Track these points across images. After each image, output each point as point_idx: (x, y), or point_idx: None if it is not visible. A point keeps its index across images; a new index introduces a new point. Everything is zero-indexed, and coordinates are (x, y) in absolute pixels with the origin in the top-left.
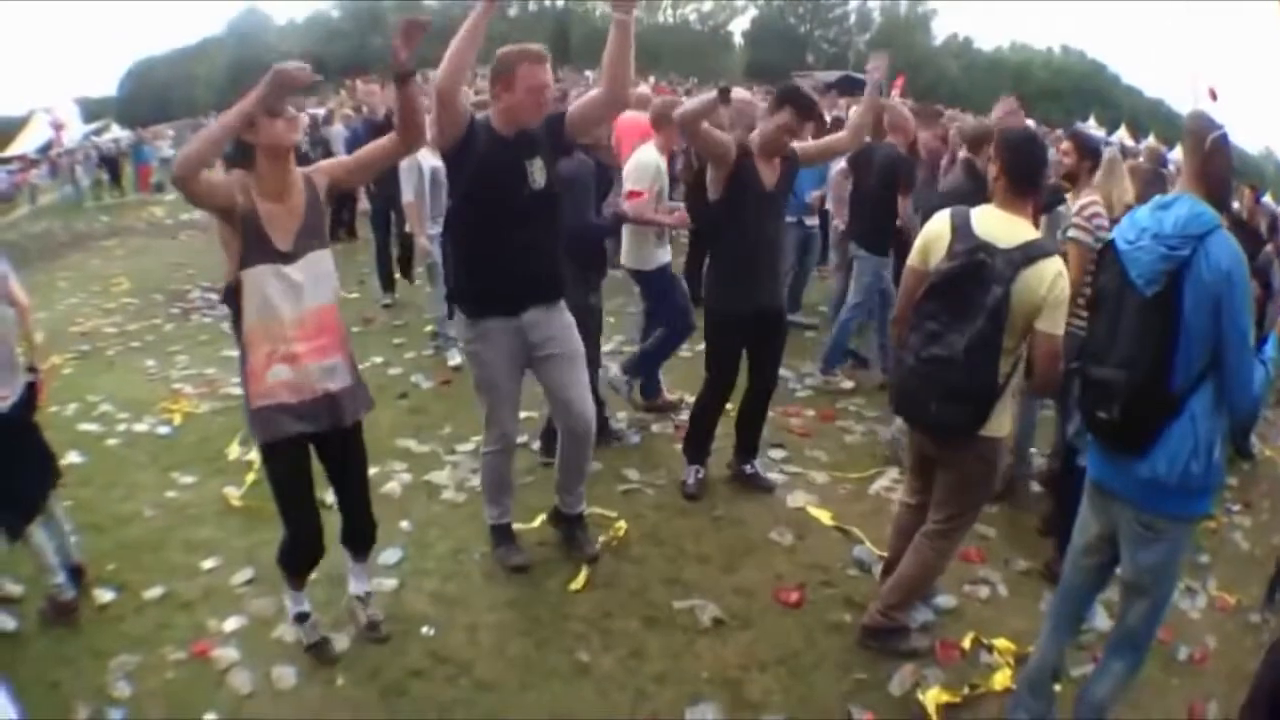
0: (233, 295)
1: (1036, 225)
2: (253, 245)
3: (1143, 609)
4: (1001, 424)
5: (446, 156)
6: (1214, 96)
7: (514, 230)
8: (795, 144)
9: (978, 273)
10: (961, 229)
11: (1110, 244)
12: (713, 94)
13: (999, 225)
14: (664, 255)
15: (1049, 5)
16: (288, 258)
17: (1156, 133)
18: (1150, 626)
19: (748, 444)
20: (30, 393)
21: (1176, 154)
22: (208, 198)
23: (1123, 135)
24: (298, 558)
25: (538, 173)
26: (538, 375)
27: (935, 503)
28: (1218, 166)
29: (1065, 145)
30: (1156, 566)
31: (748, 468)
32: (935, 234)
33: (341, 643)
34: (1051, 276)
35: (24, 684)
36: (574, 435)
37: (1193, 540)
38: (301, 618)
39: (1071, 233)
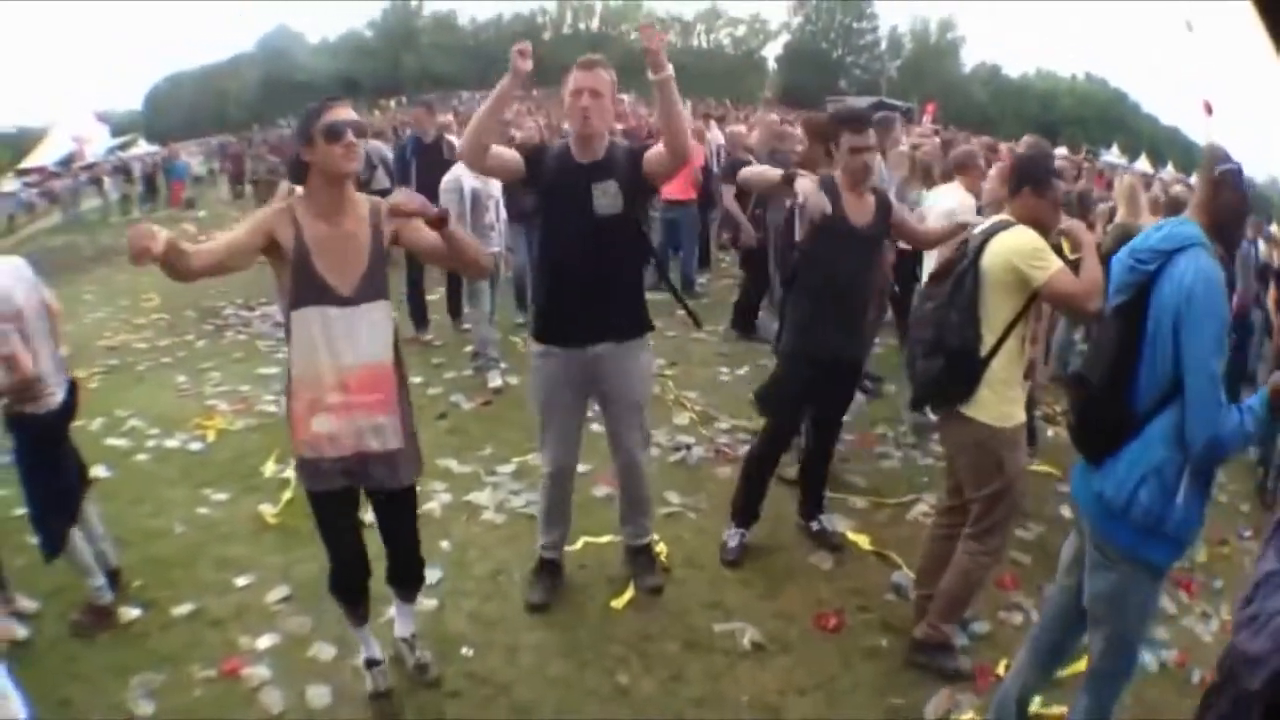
0: (288, 333)
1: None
2: (305, 285)
3: (1101, 643)
4: (999, 413)
5: (515, 184)
6: (1209, 110)
7: (584, 257)
8: (896, 221)
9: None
10: None
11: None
12: (777, 176)
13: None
14: None
15: (1073, 34)
16: (344, 301)
17: (1175, 160)
18: (1110, 665)
19: (812, 499)
20: (72, 394)
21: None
22: (226, 266)
23: (1144, 164)
24: (344, 579)
25: (604, 197)
26: (599, 406)
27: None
28: (1224, 200)
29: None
30: (1107, 598)
31: (814, 524)
32: None
33: None
34: (1009, 241)
35: (32, 700)
36: (625, 469)
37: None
38: (371, 664)
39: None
